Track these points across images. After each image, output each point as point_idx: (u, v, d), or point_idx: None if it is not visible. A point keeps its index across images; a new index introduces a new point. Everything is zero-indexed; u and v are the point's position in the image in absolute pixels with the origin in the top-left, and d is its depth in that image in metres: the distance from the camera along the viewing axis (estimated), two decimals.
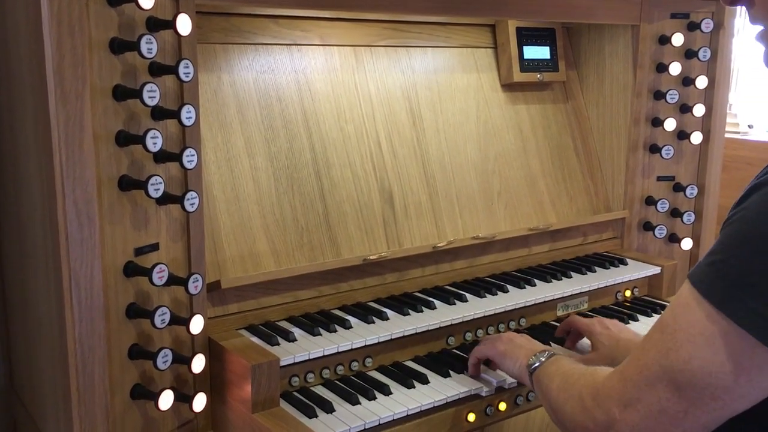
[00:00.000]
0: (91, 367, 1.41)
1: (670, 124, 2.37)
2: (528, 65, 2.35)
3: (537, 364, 1.47)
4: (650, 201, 2.44)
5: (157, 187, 1.42)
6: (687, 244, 2.46)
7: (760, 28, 1.17)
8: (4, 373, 1.88)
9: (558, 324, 1.97)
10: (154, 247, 1.50)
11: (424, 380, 1.70)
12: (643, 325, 2.07)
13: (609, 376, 1.20)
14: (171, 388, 1.51)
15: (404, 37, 2.18)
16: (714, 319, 1.03)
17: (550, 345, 1.88)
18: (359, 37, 2.10)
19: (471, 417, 1.67)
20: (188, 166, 1.48)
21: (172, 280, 1.48)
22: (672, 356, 1.07)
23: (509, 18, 2.27)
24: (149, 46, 1.38)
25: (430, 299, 1.92)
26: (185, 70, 1.45)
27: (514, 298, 1.98)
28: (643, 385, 1.11)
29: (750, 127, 4.12)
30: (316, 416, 1.53)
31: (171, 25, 1.42)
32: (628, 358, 1.17)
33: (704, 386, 1.04)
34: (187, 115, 1.46)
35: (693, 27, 2.36)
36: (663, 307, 2.20)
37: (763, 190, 1.03)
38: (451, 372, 1.74)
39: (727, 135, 2.62)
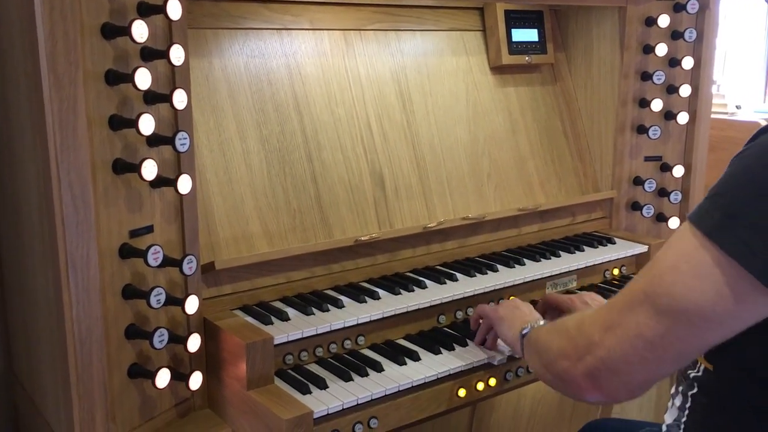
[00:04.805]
0: (88, 347, 1.44)
1: (656, 105, 2.40)
2: (516, 48, 2.38)
3: (528, 329, 1.51)
4: (638, 181, 2.47)
5: (150, 170, 1.45)
6: (674, 223, 2.49)
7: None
8: (3, 355, 1.90)
9: None
10: (149, 229, 1.53)
11: (416, 357, 1.73)
12: None
13: (599, 308, 1.23)
14: (167, 366, 1.54)
15: (393, 20, 2.20)
16: (705, 247, 1.05)
17: None
18: (349, 21, 2.11)
19: (462, 392, 1.71)
20: (181, 149, 1.50)
21: (167, 262, 1.51)
22: (656, 282, 1.10)
23: (497, 1, 2.29)
24: (140, 31, 1.40)
25: (421, 279, 1.96)
26: (176, 54, 1.47)
27: (503, 277, 2.01)
28: (625, 310, 1.14)
29: (738, 107, 4.15)
30: (310, 392, 1.57)
31: (161, 10, 1.44)
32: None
33: (682, 311, 1.06)
34: (179, 99, 1.49)
35: (679, 8, 2.38)
36: None
37: None
38: (442, 349, 1.78)
39: (715, 116, 2.65)
